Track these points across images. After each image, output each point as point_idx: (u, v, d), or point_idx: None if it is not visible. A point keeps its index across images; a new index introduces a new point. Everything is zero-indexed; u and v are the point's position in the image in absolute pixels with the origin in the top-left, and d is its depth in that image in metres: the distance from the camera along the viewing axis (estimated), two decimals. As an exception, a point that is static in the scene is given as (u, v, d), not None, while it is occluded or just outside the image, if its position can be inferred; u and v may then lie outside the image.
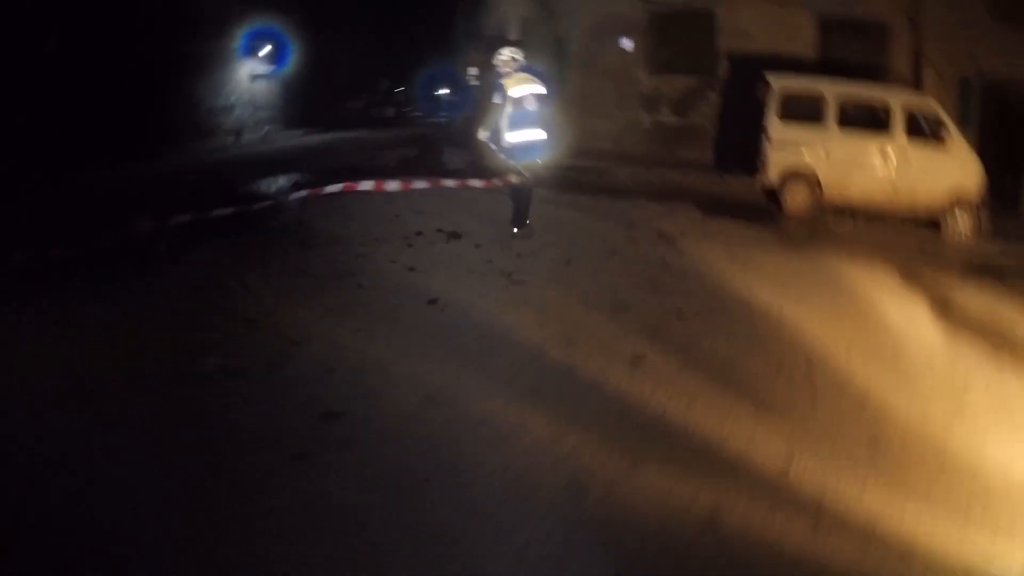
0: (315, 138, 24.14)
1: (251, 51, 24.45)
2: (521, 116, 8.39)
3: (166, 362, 5.03)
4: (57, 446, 3.76)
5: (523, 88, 8.46)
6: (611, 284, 6.78)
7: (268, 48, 24.81)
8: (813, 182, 11.23)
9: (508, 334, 5.51)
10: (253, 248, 8.02)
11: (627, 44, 15.56)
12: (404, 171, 14.76)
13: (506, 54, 8.76)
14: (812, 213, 11.27)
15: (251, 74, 24.58)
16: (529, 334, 5.51)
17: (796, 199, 11.36)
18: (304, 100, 27.02)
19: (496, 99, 8.44)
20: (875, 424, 4.21)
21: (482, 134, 8.77)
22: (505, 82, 8.47)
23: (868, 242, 9.63)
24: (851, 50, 14.36)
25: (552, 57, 16.86)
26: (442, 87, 33.90)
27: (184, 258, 7.54)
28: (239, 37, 23.96)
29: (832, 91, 11.09)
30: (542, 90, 8.64)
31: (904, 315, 6.34)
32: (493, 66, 8.94)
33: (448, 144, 19.45)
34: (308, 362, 4.98)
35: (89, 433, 3.91)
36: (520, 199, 8.61)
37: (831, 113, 11.05)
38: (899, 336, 5.79)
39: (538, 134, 8.52)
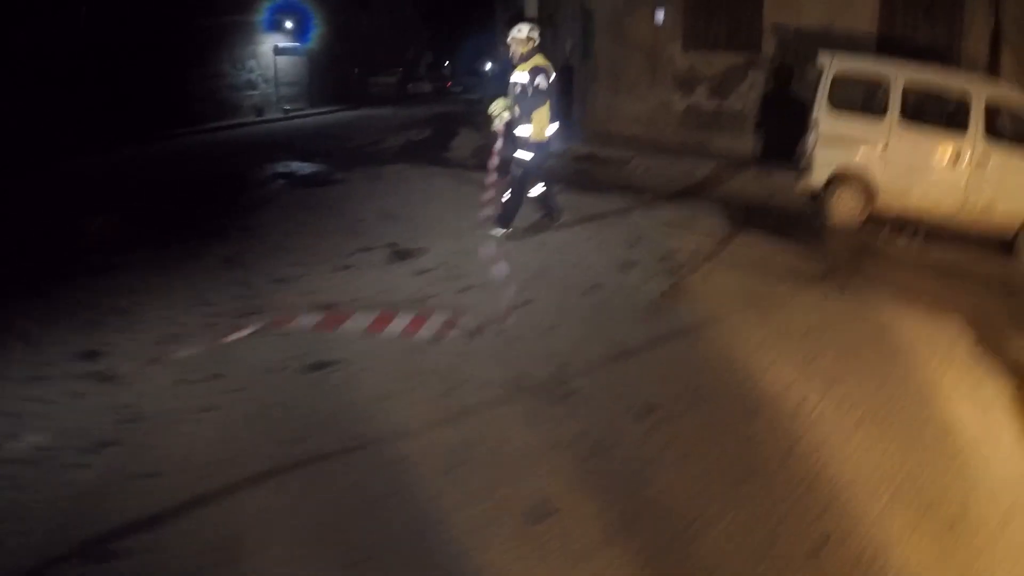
0: (338, 116, 22.48)
1: (276, 25, 22.87)
2: (552, 104, 7.00)
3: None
4: None
5: (551, 72, 7.02)
6: (566, 345, 4.81)
7: (293, 21, 23.20)
8: (866, 187, 8.96)
9: (385, 433, 3.74)
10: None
11: (660, 16, 13.27)
12: (405, 157, 13.16)
13: (526, 31, 7.00)
14: (861, 224, 9.01)
15: (275, 48, 22.99)
16: (411, 437, 3.71)
17: (844, 207, 9.11)
18: (333, 75, 25.31)
19: (542, 84, 6.81)
20: None
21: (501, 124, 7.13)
22: (544, 65, 6.96)
23: (930, 273, 7.36)
24: (917, 28, 11.80)
25: (578, 30, 14.75)
26: (486, 62, 31.70)
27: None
28: (263, 10, 22.40)
29: (899, 76, 8.73)
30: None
31: (986, 425, 4.20)
32: (508, 45, 7.17)
33: (468, 125, 17.61)
34: (120, 463, 3.53)
35: None
36: (516, 196, 7.20)
37: (895, 103, 8.72)
38: (979, 473, 3.68)
39: (555, 123, 7.16)
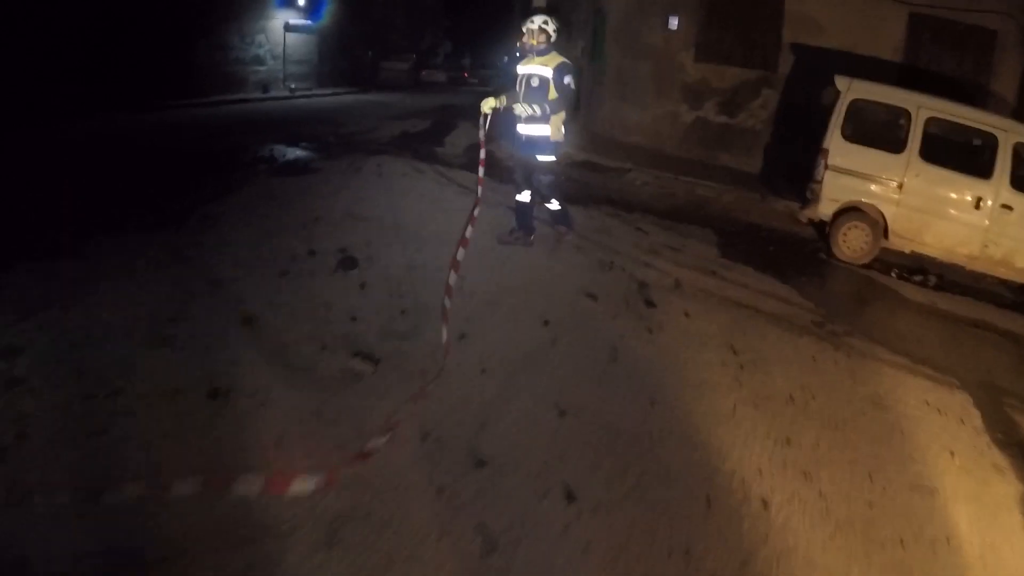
0: (343, 99, 21.68)
1: (288, 0, 22.06)
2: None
3: None
4: None
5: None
6: (492, 399, 4.00)
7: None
8: (877, 223, 8.14)
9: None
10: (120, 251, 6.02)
11: (675, 22, 12.41)
12: (395, 148, 12.37)
13: (539, 23, 6.25)
14: (869, 262, 8.20)
15: (286, 24, 22.19)
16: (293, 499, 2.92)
17: (851, 242, 8.30)
18: (344, 57, 24.48)
19: (572, 84, 6.21)
20: None
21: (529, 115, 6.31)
22: (570, 63, 6.26)
23: (939, 325, 6.52)
24: (944, 62, 10.93)
25: (589, 32, 13.91)
26: (503, 55, 30.88)
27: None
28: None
29: (923, 109, 7.89)
30: None
31: (991, 539, 3.39)
32: (521, 35, 6.42)
33: (469, 119, 16.80)
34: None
35: None
36: (560, 201, 6.80)
37: (916, 138, 7.88)
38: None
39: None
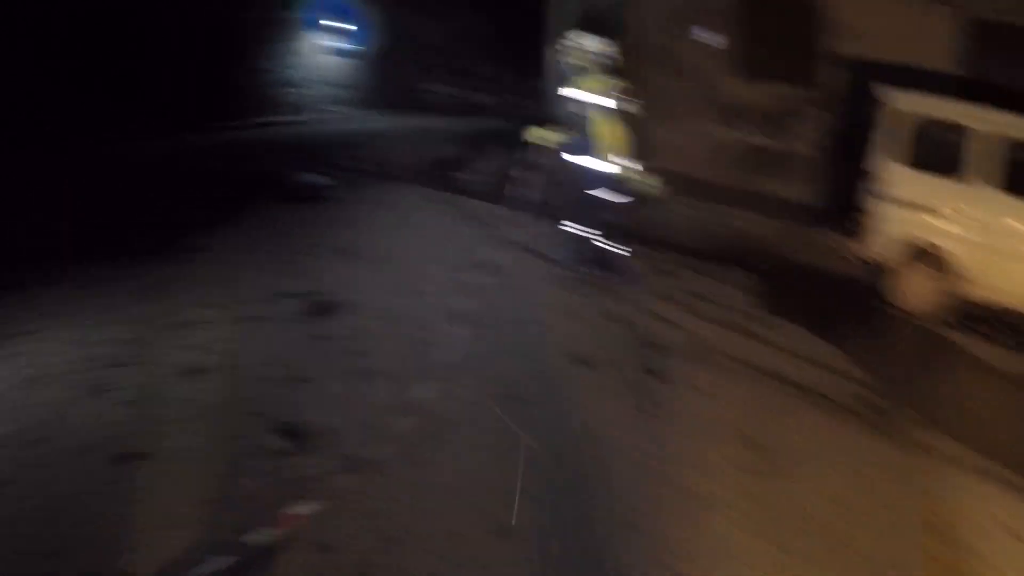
0: (380, 123, 21.04)
1: (327, 23, 21.66)
2: None
3: None
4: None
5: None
6: (416, 508, 3.03)
7: (346, 21, 22.01)
8: (943, 266, 6.84)
9: None
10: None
11: (709, 36, 11.27)
12: (415, 175, 11.58)
13: (576, 42, 5.89)
14: (937, 311, 6.86)
15: (326, 48, 21.76)
16: None
17: (914, 290, 7.01)
18: (385, 80, 23.94)
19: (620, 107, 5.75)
20: None
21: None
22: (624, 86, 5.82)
23: (1020, 398, 5.25)
24: (1011, 71, 9.45)
25: (619, 49, 12.85)
26: (551, 80, 29.94)
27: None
28: (313, 7, 21.21)
29: (989, 127, 6.62)
30: None
31: None
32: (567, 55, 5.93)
33: (501, 144, 15.91)
34: None
35: None
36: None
37: (983, 161, 6.61)
38: None
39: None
